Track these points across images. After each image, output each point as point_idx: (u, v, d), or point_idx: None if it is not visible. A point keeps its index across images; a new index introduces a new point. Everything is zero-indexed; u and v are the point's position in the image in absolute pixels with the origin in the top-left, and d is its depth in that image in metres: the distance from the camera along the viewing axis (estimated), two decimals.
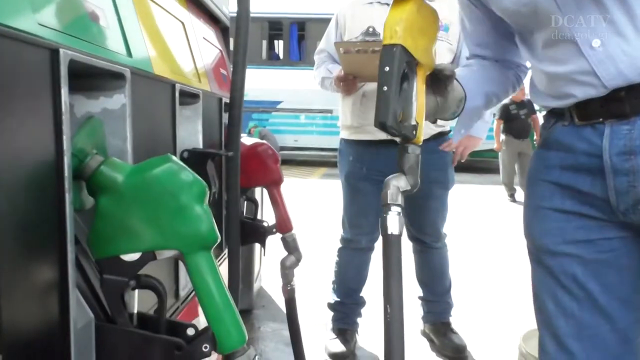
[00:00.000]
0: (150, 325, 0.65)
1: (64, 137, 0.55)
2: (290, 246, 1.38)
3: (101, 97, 0.69)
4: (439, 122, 2.13)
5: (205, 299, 0.63)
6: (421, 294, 2.43)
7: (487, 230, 5.12)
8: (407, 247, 2.45)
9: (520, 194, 6.97)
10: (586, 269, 0.87)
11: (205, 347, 0.63)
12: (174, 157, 0.64)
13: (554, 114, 0.92)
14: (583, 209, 0.87)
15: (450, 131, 2.25)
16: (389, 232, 0.86)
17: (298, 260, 1.40)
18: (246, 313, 2.68)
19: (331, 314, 2.36)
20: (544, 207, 0.93)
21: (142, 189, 0.61)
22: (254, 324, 2.61)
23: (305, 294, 2.95)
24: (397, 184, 0.89)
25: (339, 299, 2.33)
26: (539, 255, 0.94)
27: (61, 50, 0.55)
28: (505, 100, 6.83)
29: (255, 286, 2.80)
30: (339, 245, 2.33)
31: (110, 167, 0.62)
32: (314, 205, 5.96)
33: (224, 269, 1.49)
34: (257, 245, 2.80)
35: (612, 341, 0.88)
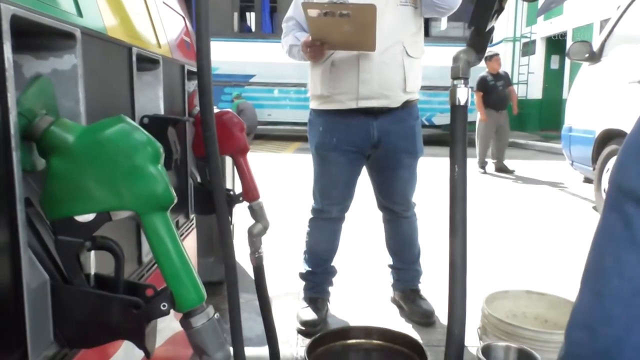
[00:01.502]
0: (108, 286, 0.65)
1: (9, 95, 0.53)
2: (257, 214, 1.38)
3: (51, 58, 0.68)
4: (408, 89, 2.17)
5: (162, 258, 0.63)
6: (391, 262, 2.49)
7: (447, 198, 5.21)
8: (376, 217, 2.50)
9: (490, 167, 7.11)
10: None
11: (164, 306, 0.64)
12: (127, 118, 0.64)
13: None
14: None
15: (417, 99, 2.27)
16: (458, 104, 0.97)
17: (265, 228, 1.41)
18: (218, 285, 2.70)
19: (303, 283, 2.40)
20: None
21: (94, 149, 0.61)
22: (225, 295, 2.62)
23: (278, 265, 2.99)
24: (467, 58, 0.96)
25: (310, 269, 2.36)
26: (621, 200, 0.81)
27: (2, 5, 0.53)
28: (482, 73, 6.88)
29: None
30: (310, 216, 2.35)
31: (60, 128, 0.61)
32: (288, 179, 5.97)
33: (192, 238, 1.50)
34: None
35: None
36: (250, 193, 1.37)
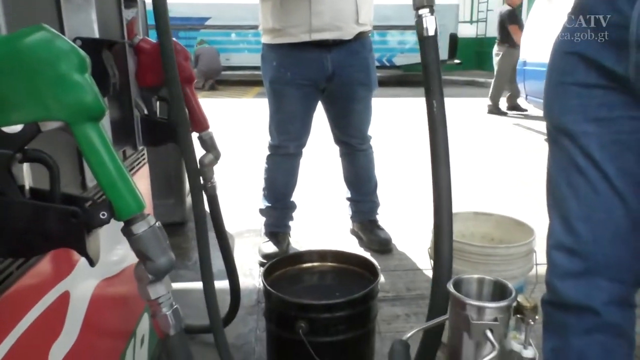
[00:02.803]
0: (44, 198, 0.65)
1: None
2: (208, 144, 1.38)
3: None
4: (361, 21, 2.15)
5: (97, 167, 0.63)
6: (349, 195, 2.55)
7: (412, 136, 5.32)
8: (334, 152, 2.53)
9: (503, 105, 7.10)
10: (604, 149, 0.84)
11: (103, 215, 0.65)
12: (48, 27, 0.62)
13: None
14: (608, 83, 0.83)
15: (370, 31, 2.26)
16: (426, 35, 0.93)
17: (216, 158, 1.41)
18: (180, 226, 2.72)
19: (263, 219, 2.44)
20: (567, 82, 0.89)
21: (14, 58, 0.59)
22: (189, 235, 2.65)
23: (240, 204, 3.02)
24: None
25: (269, 204, 2.40)
26: (557, 136, 0.92)
27: None
28: (503, 8, 6.67)
29: (188, 200, 2.81)
30: (267, 152, 2.36)
31: None
32: (248, 123, 5.91)
33: (144, 173, 1.49)
34: None
35: (624, 226, 0.86)
36: (199, 123, 1.36)
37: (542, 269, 2.08)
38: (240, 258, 2.34)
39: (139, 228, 0.67)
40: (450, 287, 0.80)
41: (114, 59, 1.03)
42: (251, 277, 2.23)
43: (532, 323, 0.75)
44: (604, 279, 0.88)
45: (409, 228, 2.63)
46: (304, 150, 2.38)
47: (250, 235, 2.66)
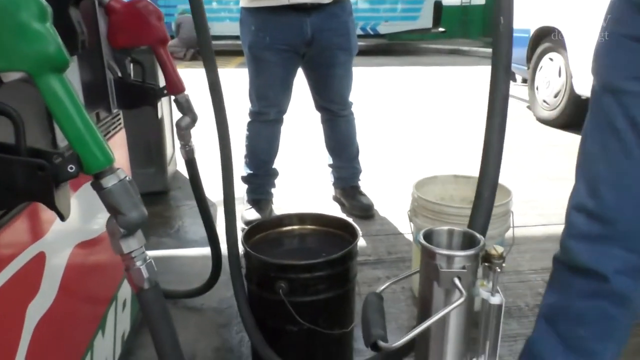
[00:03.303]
0: (10, 152, 0.64)
1: None
2: (184, 107, 1.37)
3: None
4: None
5: (63, 120, 0.63)
6: (331, 162, 2.56)
7: (394, 104, 5.32)
8: (315, 118, 2.52)
9: None
10: None
11: (71, 168, 0.65)
12: None
13: None
14: None
15: None
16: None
17: (194, 121, 1.40)
18: (162, 195, 2.71)
19: (245, 186, 2.44)
20: (621, 33, 0.82)
21: None
22: (171, 204, 2.65)
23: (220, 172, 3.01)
24: None
25: (251, 172, 2.39)
26: (601, 94, 0.87)
27: None
28: None
29: (170, 169, 2.80)
30: (248, 119, 2.34)
31: None
32: (230, 93, 5.83)
33: (121, 139, 1.47)
34: (168, 128, 2.76)
35: None
36: (174, 85, 1.34)
37: (518, 231, 2.13)
38: (224, 225, 2.35)
39: (109, 182, 0.67)
40: (421, 238, 0.81)
41: (82, 17, 1.00)
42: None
43: (499, 271, 0.77)
44: (620, 247, 0.86)
45: (390, 194, 2.65)
46: (285, 117, 2.37)
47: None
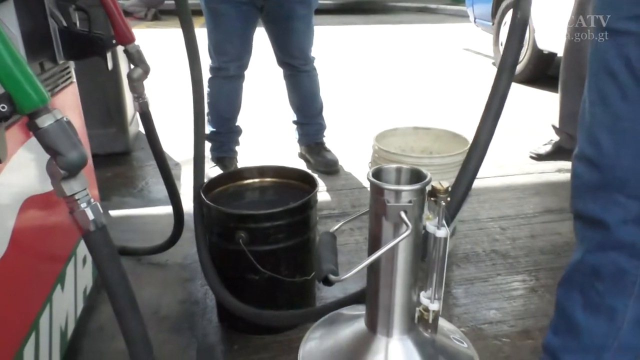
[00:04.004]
0: None
1: None
2: (135, 58, 1.33)
3: None
4: None
5: None
6: (295, 118, 2.54)
7: (359, 62, 5.30)
8: (278, 75, 2.49)
9: None
10: None
11: (3, 107, 0.63)
12: None
13: None
14: None
15: None
16: None
17: (146, 72, 1.36)
18: (125, 155, 2.66)
19: (209, 144, 2.41)
20: None
21: None
22: (134, 164, 2.61)
23: (184, 131, 2.96)
24: None
25: (214, 129, 2.36)
26: (596, 37, 0.85)
27: None
28: None
29: (132, 129, 2.74)
30: (209, 75, 2.29)
31: None
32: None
33: (72, 94, 1.42)
34: (128, 86, 2.68)
35: None
36: (123, 35, 1.30)
37: (479, 182, 2.17)
38: (188, 184, 2.33)
39: (44, 121, 0.65)
40: (370, 176, 0.83)
41: None
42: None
43: (444, 204, 0.80)
44: (622, 194, 0.84)
45: (355, 149, 2.67)
46: (246, 73, 2.33)
47: None
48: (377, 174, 0.85)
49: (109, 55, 1.31)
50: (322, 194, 2.30)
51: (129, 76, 1.34)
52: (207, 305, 1.55)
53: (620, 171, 0.84)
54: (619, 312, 0.92)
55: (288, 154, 2.68)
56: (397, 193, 0.79)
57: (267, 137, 2.95)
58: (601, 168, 0.86)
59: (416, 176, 0.84)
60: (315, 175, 1.51)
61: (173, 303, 1.56)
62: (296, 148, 2.66)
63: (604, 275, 0.91)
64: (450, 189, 0.81)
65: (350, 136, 2.95)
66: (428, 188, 0.81)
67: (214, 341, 1.43)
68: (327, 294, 1.60)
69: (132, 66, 1.35)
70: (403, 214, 0.77)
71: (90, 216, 0.71)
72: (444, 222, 0.81)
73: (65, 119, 0.68)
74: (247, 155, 2.57)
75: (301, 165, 2.58)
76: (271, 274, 1.33)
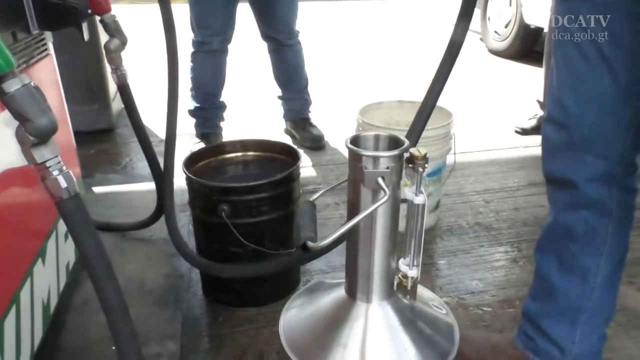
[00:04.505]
0: None
1: None
2: (112, 28, 1.29)
3: None
4: None
5: None
6: (280, 94, 2.52)
7: (344, 36, 5.25)
8: (262, 50, 2.45)
9: None
10: (596, 10, 0.80)
11: None
12: None
13: None
14: None
15: None
16: None
17: (123, 43, 1.33)
18: (108, 132, 2.62)
19: (193, 120, 2.39)
20: None
21: None
22: (117, 141, 2.58)
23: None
24: None
25: (198, 105, 2.34)
26: (556, 4, 0.89)
27: None
28: None
29: (115, 106, 2.69)
30: (191, 49, 2.25)
31: None
32: (179, 29, 5.57)
33: (49, 67, 1.39)
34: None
35: (610, 97, 0.84)
36: (98, 4, 1.27)
37: (463, 156, 2.17)
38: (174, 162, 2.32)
39: (11, 86, 0.64)
40: (348, 142, 0.82)
41: None
42: (183, 178, 2.22)
43: (422, 171, 0.80)
44: (588, 154, 0.88)
45: (341, 124, 2.66)
46: (230, 47, 2.29)
47: (182, 138, 2.60)
48: (356, 141, 0.84)
49: (84, 26, 1.28)
50: (308, 169, 2.30)
51: (106, 47, 1.31)
52: (191, 279, 1.56)
53: (586, 130, 0.88)
54: (592, 272, 0.95)
55: (274, 129, 2.66)
56: (375, 159, 0.79)
57: (252, 113, 2.93)
58: (568, 128, 0.89)
59: (394, 143, 0.84)
60: (301, 150, 1.51)
61: (158, 277, 1.56)
62: (282, 124, 2.64)
63: (576, 236, 0.94)
64: (428, 156, 0.80)
65: (337, 111, 2.93)
66: (406, 155, 0.81)
67: (199, 314, 1.44)
68: (311, 267, 1.61)
69: (109, 37, 1.32)
70: (381, 180, 0.77)
71: (63, 184, 0.70)
72: (422, 188, 0.81)
73: (33, 83, 0.66)
74: (232, 131, 2.55)
75: (287, 140, 2.56)
76: (255, 246, 1.33)
